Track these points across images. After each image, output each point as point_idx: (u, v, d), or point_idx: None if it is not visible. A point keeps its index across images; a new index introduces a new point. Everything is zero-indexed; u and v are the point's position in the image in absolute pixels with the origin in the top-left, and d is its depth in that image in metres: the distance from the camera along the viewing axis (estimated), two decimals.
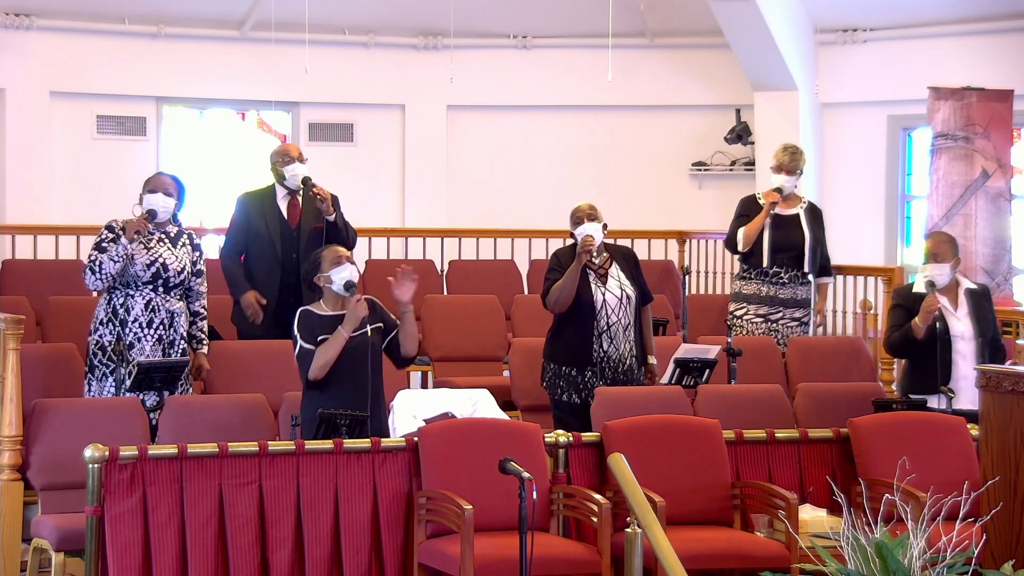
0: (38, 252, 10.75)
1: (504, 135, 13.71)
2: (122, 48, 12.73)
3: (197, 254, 7.60)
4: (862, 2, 12.55)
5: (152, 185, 7.50)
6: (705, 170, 13.47)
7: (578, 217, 7.77)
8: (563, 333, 7.76)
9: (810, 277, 9.26)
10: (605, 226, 7.77)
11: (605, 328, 7.67)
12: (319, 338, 6.67)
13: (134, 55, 12.75)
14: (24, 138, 12.35)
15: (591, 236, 7.65)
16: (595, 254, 7.72)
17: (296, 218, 8.39)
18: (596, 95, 13.37)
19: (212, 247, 10.04)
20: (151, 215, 7.40)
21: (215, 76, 13.05)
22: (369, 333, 6.74)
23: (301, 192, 8.39)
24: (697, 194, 13.30)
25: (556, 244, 11.15)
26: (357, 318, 6.69)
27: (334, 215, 8.28)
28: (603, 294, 7.69)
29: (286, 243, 8.34)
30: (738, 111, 13.16)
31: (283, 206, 8.43)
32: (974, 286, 7.90)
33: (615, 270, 7.79)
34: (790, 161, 9.17)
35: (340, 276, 6.76)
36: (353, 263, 6.87)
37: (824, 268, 9.38)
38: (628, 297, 7.73)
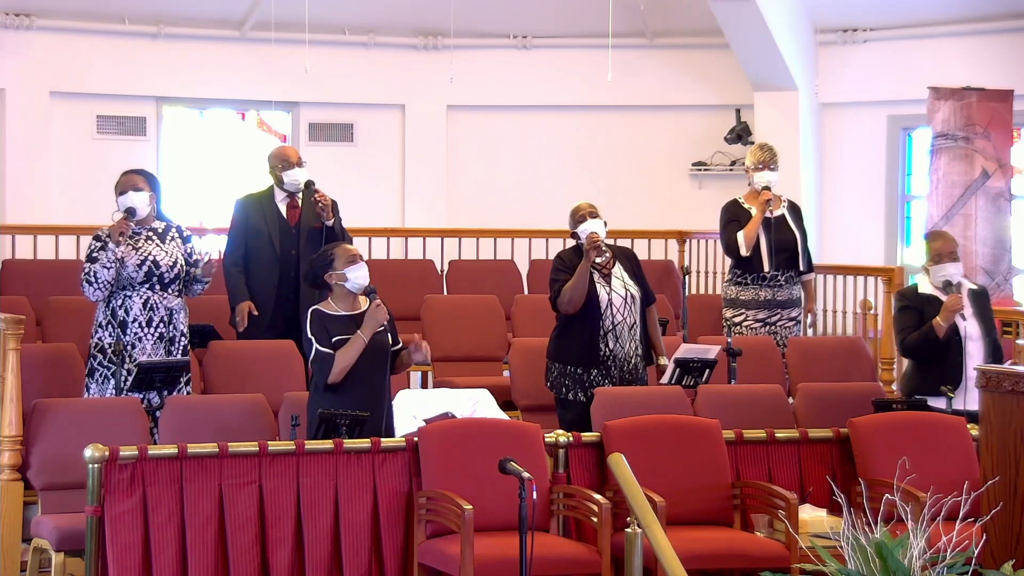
0: (38, 252, 10.74)
1: (504, 135, 13.70)
2: (122, 48, 12.72)
3: (189, 246, 7.60)
4: (862, 2, 12.54)
5: (122, 186, 7.47)
6: (705, 170, 13.46)
7: (580, 216, 7.74)
8: (569, 333, 7.73)
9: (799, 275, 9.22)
10: (605, 223, 7.75)
11: (611, 327, 7.65)
12: (334, 339, 6.62)
13: (134, 55, 12.75)
14: (24, 138, 12.35)
15: (596, 233, 7.63)
16: (601, 252, 7.69)
17: (295, 218, 8.38)
18: (596, 95, 13.36)
19: (213, 247, 10.03)
20: (130, 213, 7.40)
21: (215, 76, 13.04)
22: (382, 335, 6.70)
23: (301, 194, 8.39)
24: (697, 194, 13.28)
25: (556, 244, 11.16)
26: (378, 323, 6.64)
27: (333, 221, 8.28)
28: (608, 293, 7.67)
29: (285, 240, 8.32)
30: (738, 111, 13.15)
31: (282, 207, 8.41)
32: (975, 287, 7.90)
33: (618, 270, 7.78)
34: (771, 157, 9.14)
35: (356, 275, 6.70)
36: (364, 261, 6.81)
37: (808, 264, 9.34)
38: (633, 296, 7.73)
